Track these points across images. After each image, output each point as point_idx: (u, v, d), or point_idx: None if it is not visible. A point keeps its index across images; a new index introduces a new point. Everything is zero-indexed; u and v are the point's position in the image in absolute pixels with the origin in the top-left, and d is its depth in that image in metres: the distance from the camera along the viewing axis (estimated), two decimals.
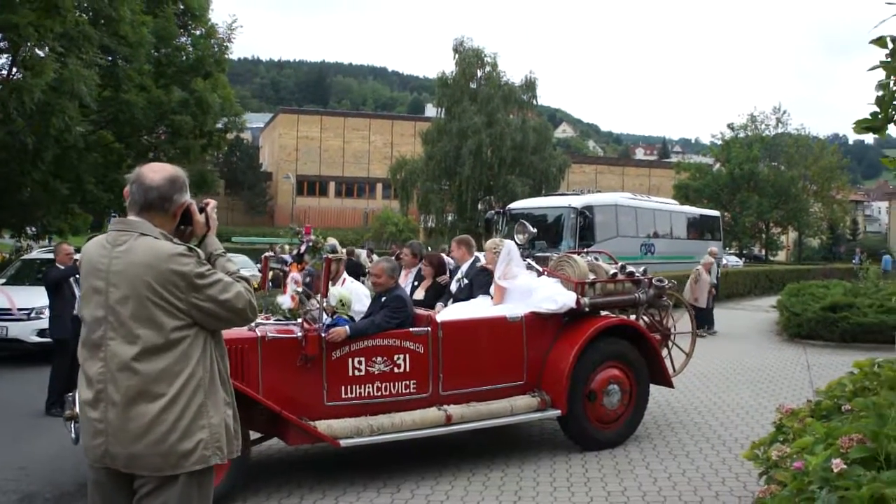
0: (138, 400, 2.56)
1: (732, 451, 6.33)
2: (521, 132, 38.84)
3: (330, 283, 6.39)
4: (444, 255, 7.73)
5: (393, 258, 6.79)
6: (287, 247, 9.52)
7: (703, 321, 14.97)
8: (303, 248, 5.92)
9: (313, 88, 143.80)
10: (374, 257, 14.58)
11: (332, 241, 6.71)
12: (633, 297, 6.97)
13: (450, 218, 41.41)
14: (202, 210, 2.79)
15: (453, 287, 7.02)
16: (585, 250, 7.93)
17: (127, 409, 2.56)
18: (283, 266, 6.10)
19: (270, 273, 6.42)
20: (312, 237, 5.86)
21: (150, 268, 2.60)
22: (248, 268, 23.21)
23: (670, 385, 7.10)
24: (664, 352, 7.42)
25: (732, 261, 37.34)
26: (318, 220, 58.73)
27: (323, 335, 5.37)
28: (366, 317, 5.85)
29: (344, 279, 6.55)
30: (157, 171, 2.73)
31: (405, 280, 7.41)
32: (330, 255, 5.85)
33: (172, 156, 20.17)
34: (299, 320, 5.49)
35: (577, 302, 6.44)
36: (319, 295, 5.46)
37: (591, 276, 6.79)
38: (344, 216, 63.37)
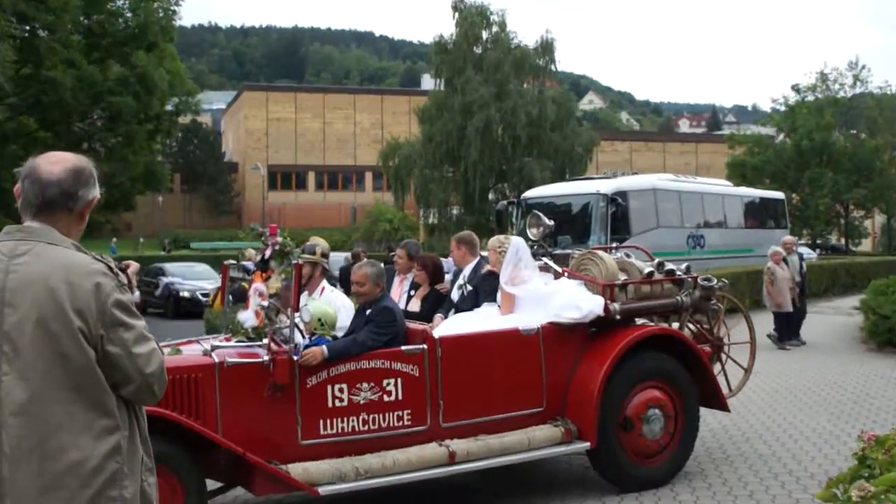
0: (33, 456, 2.40)
1: (807, 489, 6.28)
2: (538, 105, 38.89)
3: (306, 293, 6.42)
4: (439, 257, 7.70)
5: (381, 263, 6.76)
6: (252, 252, 9.51)
7: (789, 330, 14.59)
8: (267, 252, 5.90)
9: (285, 60, 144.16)
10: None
11: (317, 242, 6.70)
12: (674, 301, 6.94)
13: (455, 211, 41.51)
14: (123, 271, 2.66)
15: (455, 295, 7.03)
16: (616, 245, 7.89)
17: (17, 466, 2.40)
18: (245, 276, 6.08)
19: (232, 285, 6.40)
20: (279, 239, 5.85)
21: (64, 284, 2.45)
22: (210, 279, 23.35)
23: (725, 409, 7.08)
24: (716, 367, 7.38)
25: (804, 253, 37.10)
26: (296, 218, 58.94)
27: (295, 358, 5.36)
28: (347, 334, 5.85)
29: (322, 288, 6.56)
30: (55, 163, 2.61)
31: (399, 289, 7.42)
32: (301, 259, 5.83)
33: (113, 146, 20.16)
34: (265, 341, 5.47)
35: (606, 308, 6.43)
36: (290, 309, 5.42)
37: (622, 277, 6.77)
38: (327, 213, 63.54)
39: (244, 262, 6.21)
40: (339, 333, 5.88)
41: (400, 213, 49.63)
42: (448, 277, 7.45)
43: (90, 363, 2.46)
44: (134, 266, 2.80)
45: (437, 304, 7.06)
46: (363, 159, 64.82)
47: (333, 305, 6.13)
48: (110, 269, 2.57)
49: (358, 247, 28.40)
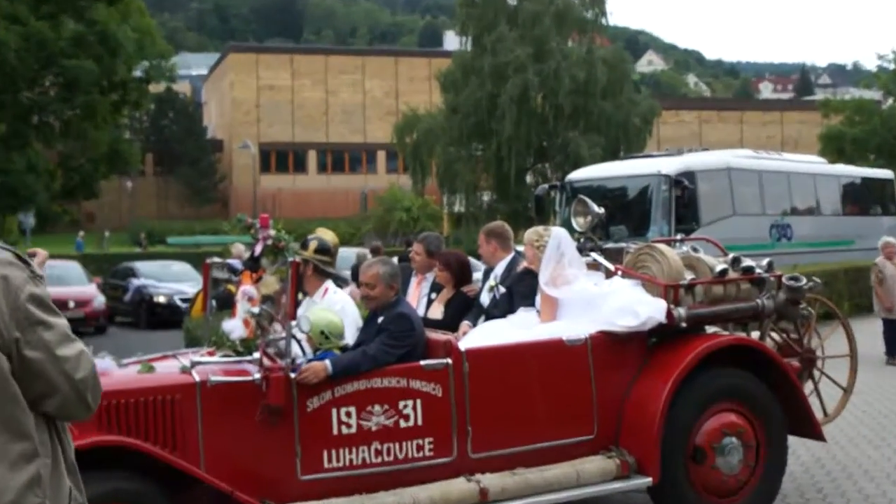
0: None
1: None
2: (586, 67, 38.81)
3: (305, 296, 6.47)
4: (465, 253, 7.76)
5: (394, 259, 6.82)
6: (240, 248, 9.63)
7: None
8: (258, 248, 5.95)
9: (278, 15, 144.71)
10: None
11: (323, 234, 6.74)
12: (753, 305, 6.92)
13: (485, 198, 41.52)
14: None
15: (484, 299, 7.05)
16: (681, 238, 7.87)
17: None
18: (232, 277, 6.14)
19: (216, 288, 6.47)
20: (271, 231, 5.89)
21: None
22: (190, 281, 23.51)
23: (821, 437, 7.04)
24: (807, 387, 7.35)
25: None
26: (294, 207, 59.26)
27: (292, 375, 5.41)
28: (356, 346, 5.89)
29: (326, 289, 6.61)
30: None
31: (417, 291, 7.47)
32: (298, 257, 5.87)
33: (70, 119, 20.11)
34: (256, 355, 5.51)
35: (669, 314, 6.42)
36: (286, 316, 5.47)
37: (689, 276, 6.75)
38: (331, 200, 63.80)
39: (231, 261, 6.30)
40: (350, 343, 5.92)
41: (419, 200, 49.71)
42: (476, 277, 7.48)
43: (3, 374, 2.40)
44: (42, 254, 2.79)
45: (463, 309, 7.09)
46: (374, 135, 64.96)
47: (343, 312, 6.20)
48: (19, 257, 2.51)
49: (371, 240, 28.41)
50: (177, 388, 5.29)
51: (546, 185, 24.62)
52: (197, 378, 5.33)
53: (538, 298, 6.59)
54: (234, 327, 5.78)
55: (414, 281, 7.60)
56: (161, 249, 45.88)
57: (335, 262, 6.81)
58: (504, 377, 5.97)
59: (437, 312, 7.11)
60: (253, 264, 5.88)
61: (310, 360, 5.55)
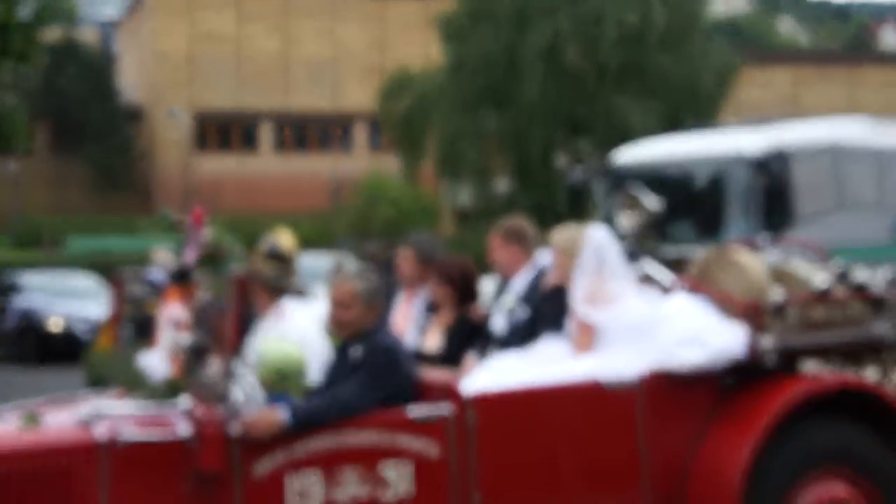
0: None
1: None
2: (639, 9, 38.76)
3: (254, 319, 6.48)
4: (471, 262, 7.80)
5: (371, 272, 6.83)
6: (165, 255, 9.68)
7: None
8: (189, 255, 5.96)
9: None
10: None
11: (278, 237, 6.77)
12: (868, 334, 6.92)
13: (500, 186, 41.47)
14: None
15: (498, 323, 7.09)
16: (765, 241, 7.90)
17: None
18: (152, 293, 6.18)
19: (131, 309, 6.52)
20: (208, 232, 5.92)
21: None
22: (94, 299, 23.44)
23: None
24: None
25: None
26: (241, 197, 59.31)
27: (235, 429, 5.44)
28: (322, 388, 5.95)
29: (281, 310, 6.70)
30: None
31: (405, 313, 7.53)
32: (244, 273, 5.90)
33: None
34: (184, 402, 5.54)
35: (752, 346, 6.45)
36: (225, 346, 5.55)
37: (779, 293, 6.75)
38: (292, 189, 63.80)
39: (151, 272, 6.32)
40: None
41: (410, 190, 49.65)
42: (487, 292, 7.53)
43: None
44: None
45: (468, 338, 7.11)
46: (351, 101, 64.92)
47: (306, 343, 6.26)
48: None
49: (360, 244, 28.39)
50: (72, 450, 5.30)
51: (582, 169, 24.61)
52: (101, 435, 5.33)
53: (570, 323, 6.62)
54: (156, 363, 5.79)
55: (401, 299, 7.65)
56: (56, 256, 45.80)
57: (291, 272, 6.83)
58: (523, 432, 6.01)
59: (433, 342, 7.14)
60: (182, 277, 5.90)
61: (260, 408, 5.55)
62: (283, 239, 6.79)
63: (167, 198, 59.23)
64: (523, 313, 6.96)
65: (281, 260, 6.63)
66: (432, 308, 7.38)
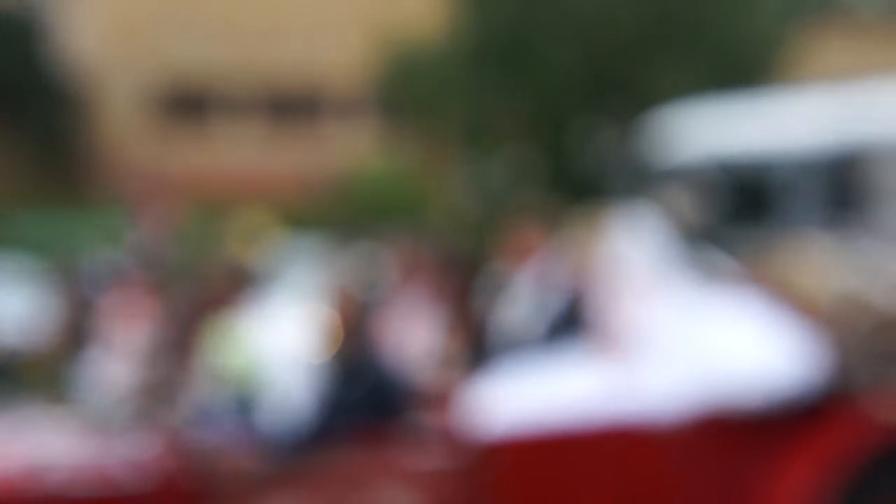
0: None
1: None
2: None
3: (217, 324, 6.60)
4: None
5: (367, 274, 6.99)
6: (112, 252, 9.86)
7: None
8: (146, 246, 6.06)
9: None
10: None
11: (246, 221, 6.88)
12: None
13: (517, 169, 41.74)
14: None
15: (511, 322, 7.37)
16: (845, 237, 7.94)
17: None
18: (99, 293, 6.32)
19: (80, 316, 6.67)
20: (163, 218, 6.01)
21: None
22: (33, 303, 23.59)
23: None
24: None
25: None
26: (211, 181, 59.68)
27: (197, 486, 5.51)
28: (305, 414, 6.03)
29: (256, 313, 6.80)
30: None
31: (409, 324, 7.60)
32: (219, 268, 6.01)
33: None
34: (145, 448, 5.59)
35: (832, 368, 6.43)
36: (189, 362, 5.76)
37: (864, 302, 6.72)
38: (265, 172, 64.13)
39: (100, 270, 6.47)
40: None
41: (407, 177, 50.00)
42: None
43: None
44: None
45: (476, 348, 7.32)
46: (337, 69, 65.34)
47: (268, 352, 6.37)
48: None
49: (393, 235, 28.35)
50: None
51: (617, 144, 24.76)
52: (53, 487, 5.42)
53: (597, 331, 6.66)
54: (104, 380, 5.86)
55: (397, 303, 7.83)
56: None
57: (256, 269, 6.94)
58: (545, 484, 6.07)
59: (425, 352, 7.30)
60: (138, 275, 5.96)
61: (230, 452, 5.65)
62: (246, 224, 6.92)
63: (118, 184, 59.69)
64: (540, 311, 7.19)
65: (240, 273, 6.76)
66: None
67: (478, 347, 7.29)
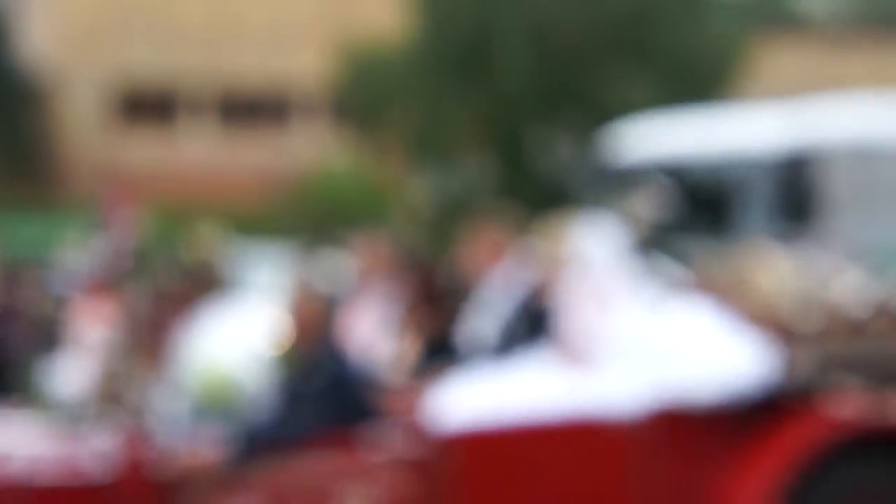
0: None
1: None
2: None
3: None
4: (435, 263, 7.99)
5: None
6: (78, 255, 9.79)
7: None
8: (115, 245, 6.02)
9: None
10: None
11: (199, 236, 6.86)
12: None
13: (474, 176, 41.73)
14: None
15: (478, 332, 7.23)
16: (791, 243, 7.99)
17: None
18: (63, 298, 6.28)
19: (39, 315, 6.60)
20: (130, 224, 5.97)
21: None
22: None
23: None
24: None
25: None
26: (170, 184, 59.41)
27: (161, 465, 5.49)
28: (266, 415, 5.99)
29: (213, 318, 6.74)
30: None
31: (367, 320, 7.62)
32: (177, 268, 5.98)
33: None
34: (104, 439, 5.55)
35: (782, 369, 6.47)
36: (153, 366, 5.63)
37: (815, 318, 6.79)
38: (227, 174, 63.95)
39: (62, 272, 6.43)
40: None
41: (365, 179, 49.89)
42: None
43: None
44: None
45: (438, 351, 7.26)
46: (299, 71, 65.13)
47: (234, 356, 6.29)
48: None
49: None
50: None
51: (575, 160, 24.77)
52: (11, 477, 5.41)
53: (558, 334, 6.63)
54: (69, 382, 5.81)
55: (359, 302, 7.81)
56: None
57: (217, 272, 6.91)
58: (502, 478, 6.07)
59: (403, 353, 7.33)
60: (103, 277, 5.94)
61: (191, 445, 5.63)
62: (202, 237, 6.88)
63: (79, 185, 59.31)
64: (501, 319, 7.09)
65: (202, 276, 6.72)
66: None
67: (440, 349, 7.25)
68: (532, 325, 6.85)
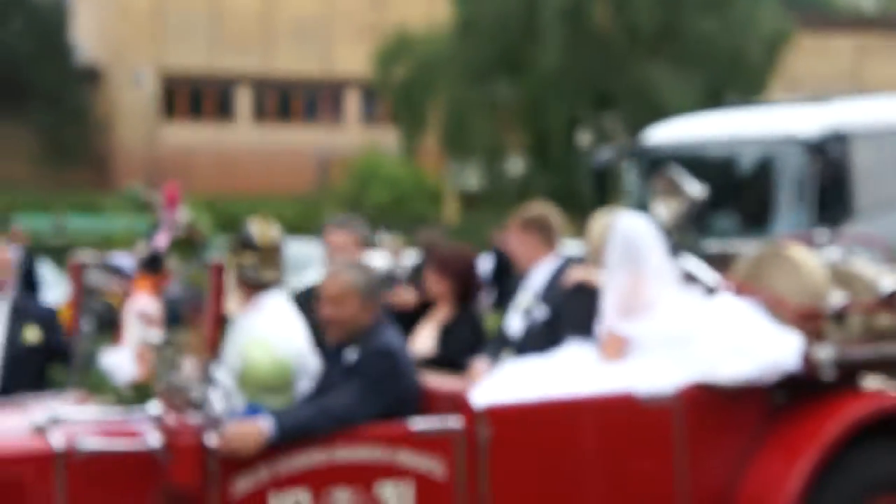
0: None
1: None
2: None
3: (231, 319, 6.53)
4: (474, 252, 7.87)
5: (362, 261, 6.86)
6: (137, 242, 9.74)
7: None
8: (161, 239, 5.99)
9: None
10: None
11: (258, 226, 6.80)
12: None
13: (516, 168, 41.39)
14: None
15: (513, 324, 7.13)
16: (824, 236, 7.89)
17: None
18: (117, 284, 6.18)
19: (91, 301, 6.51)
20: (183, 214, 5.94)
21: None
22: (48, 289, 23.42)
23: None
24: None
25: None
26: (216, 174, 59.19)
27: (211, 441, 5.45)
28: (311, 398, 5.99)
29: (264, 307, 6.62)
30: None
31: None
32: (220, 259, 5.91)
33: None
34: (154, 408, 5.56)
35: (807, 358, 6.47)
36: (204, 349, 5.57)
37: (839, 297, 6.77)
38: (274, 166, 63.72)
39: (115, 257, 6.32)
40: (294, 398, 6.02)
41: (411, 169, 49.56)
42: (483, 268, 7.73)
43: None
44: None
45: (466, 338, 7.20)
46: (343, 65, 64.77)
47: (291, 345, 6.28)
48: None
49: (353, 225, 28.11)
50: (24, 460, 5.33)
51: (611, 149, 24.54)
52: (58, 444, 5.34)
53: (598, 328, 6.65)
54: (121, 363, 5.80)
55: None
56: None
57: (279, 265, 6.82)
58: (542, 450, 6.03)
59: (424, 344, 7.21)
60: (152, 265, 5.90)
61: (240, 418, 5.60)
62: (264, 228, 6.76)
63: (129, 173, 59.00)
64: (541, 313, 6.99)
65: (257, 250, 6.57)
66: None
67: (478, 332, 7.22)
68: (577, 316, 6.79)
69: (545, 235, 7.26)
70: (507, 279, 8.04)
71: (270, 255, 6.72)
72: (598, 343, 6.64)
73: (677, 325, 6.56)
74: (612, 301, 6.58)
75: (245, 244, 6.55)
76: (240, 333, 6.36)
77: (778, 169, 20.24)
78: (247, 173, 61.12)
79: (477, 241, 23.94)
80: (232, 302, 6.55)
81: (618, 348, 6.53)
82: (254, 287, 6.56)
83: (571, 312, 6.82)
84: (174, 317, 6.01)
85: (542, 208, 7.52)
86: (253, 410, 5.70)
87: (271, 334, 6.32)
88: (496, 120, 40.60)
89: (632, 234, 6.70)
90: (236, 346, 6.04)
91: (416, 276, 8.61)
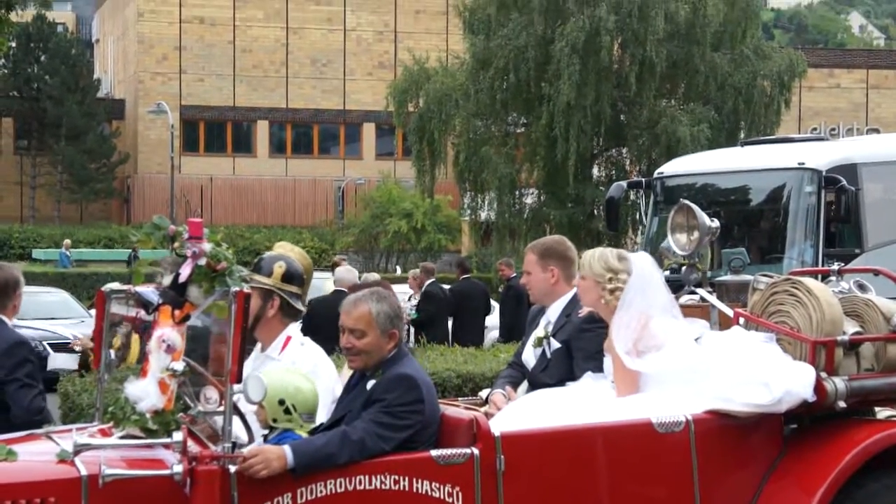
0: None
1: None
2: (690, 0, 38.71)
3: (256, 348, 6.58)
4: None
5: (381, 288, 6.84)
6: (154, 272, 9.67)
7: None
8: (185, 270, 5.95)
9: None
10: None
11: (287, 252, 6.77)
12: None
13: (529, 199, 41.37)
14: None
15: (529, 356, 7.11)
16: (835, 269, 7.86)
17: None
18: (141, 314, 6.15)
19: (115, 331, 6.48)
20: (206, 244, 5.89)
21: None
22: (71, 320, 23.34)
23: None
24: None
25: None
26: (235, 205, 59.31)
27: (232, 469, 5.44)
28: (332, 425, 5.96)
29: (288, 338, 6.67)
30: None
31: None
32: (251, 285, 5.88)
33: None
34: (177, 436, 5.53)
35: (820, 388, 6.45)
36: (226, 377, 5.52)
37: (851, 329, 6.76)
38: (292, 197, 63.84)
39: (139, 289, 6.28)
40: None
41: (426, 201, 49.58)
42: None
43: None
44: None
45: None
46: (359, 98, 64.94)
47: (316, 374, 6.27)
48: None
49: (343, 257, 28.31)
50: (52, 485, 5.29)
51: (624, 183, 24.48)
52: (83, 471, 5.34)
53: (609, 365, 6.64)
54: (144, 392, 5.77)
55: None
56: (24, 268, 45.71)
57: (305, 297, 6.83)
58: (559, 477, 6.01)
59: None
60: (175, 296, 5.87)
61: (262, 446, 5.59)
62: (295, 255, 6.77)
63: (149, 205, 59.01)
64: (556, 344, 6.98)
65: (297, 281, 6.60)
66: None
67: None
68: (588, 348, 6.80)
69: (566, 268, 7.23)
70: (518, 310, 8.05)
71: (306, 288, 6.76)
72: (610, 373, 6.63)
73: (689, 360, 6.54)
74: (624, 339, 6.55)
75: (291, 276, 6.57)
76: (270, 361, 6.42)
77: (789, 201, 20.23)
78: (265, 205, 61.20)
79: (493, 271, 23.78)
80: (261, 331, 6.59)
81: (630, 383, 6.52)
82: (291, 317, 6.60)
83: (583, 345, 6.81)
84: (197, 346, 6.00)
85: (560, 240, 7.49)
86: (279, 438, 5.71)
87: (300, 363, 6.37)
88: (510, 154, 40.62)
89: (644, 274, 6.68)
90: (266, 372, 6.00)
91: None
